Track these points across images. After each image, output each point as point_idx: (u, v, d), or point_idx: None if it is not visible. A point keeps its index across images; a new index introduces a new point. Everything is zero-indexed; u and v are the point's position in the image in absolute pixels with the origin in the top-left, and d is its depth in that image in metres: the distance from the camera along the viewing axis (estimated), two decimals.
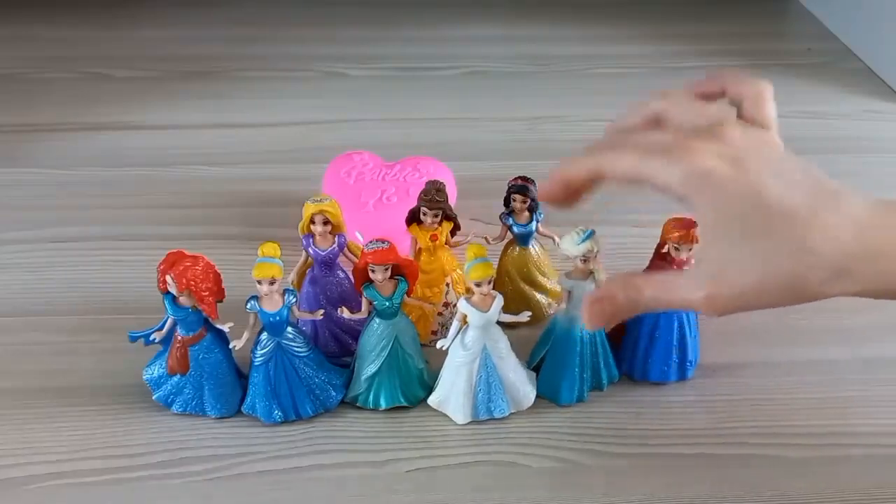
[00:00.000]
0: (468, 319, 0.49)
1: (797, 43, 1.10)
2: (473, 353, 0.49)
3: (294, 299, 0.49)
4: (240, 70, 0.99)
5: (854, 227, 0.34)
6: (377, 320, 0.50)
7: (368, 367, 0.51)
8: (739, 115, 0.40)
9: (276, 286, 0.48)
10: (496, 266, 0.52)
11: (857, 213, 0.34)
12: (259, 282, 0.47)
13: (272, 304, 0.48)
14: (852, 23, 1.07)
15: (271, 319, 0.48)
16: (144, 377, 0.51)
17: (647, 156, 0.35)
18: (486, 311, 0.48)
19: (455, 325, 0.50)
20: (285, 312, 0.49)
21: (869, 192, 0.35)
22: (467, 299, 0.48)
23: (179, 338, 0.49)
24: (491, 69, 1.01)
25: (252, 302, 0.48)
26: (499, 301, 0.48)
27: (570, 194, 0.39)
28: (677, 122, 0.38)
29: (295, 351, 0.50)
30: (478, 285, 0.47)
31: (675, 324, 0.53)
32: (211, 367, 0.50)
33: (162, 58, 1.02)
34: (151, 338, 0.50)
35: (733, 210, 0.34)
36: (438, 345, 0.50)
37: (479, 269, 0.47)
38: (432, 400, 0.51)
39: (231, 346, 0.50)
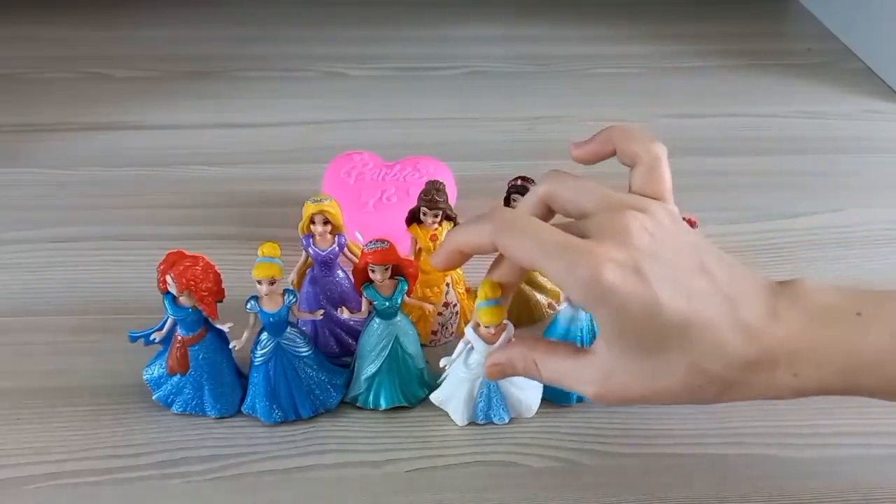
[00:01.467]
0: (474, 346, 0.47)
1: (797, 43, 1.10)
2: (477, 373, 0.49)
3: (294, 299, 0.49)
4: (240, 70, 1.00)
5: (742, 338, 0.34)
6: (377, 320, 0.50)
7: (368, 367, 0.51)
8: (630, 182, 0.39)
9: (276, 286, 0.48)
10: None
11: (747, 320, 0.35)
12: (259, 282, 0.47)
13: (272, 304, 0.48)
14: (852, 23, 1.07)
15: (271, 319, 0.48)
16: (144, 377, 0.51)
17: (548, 252, 0.35)
18: (494, 344, 0.46)
19: (461, 346, 0.49)
20: (285, 312, 0.49)
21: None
22: (475, 329, 0.46)
23: (179, 338, 0.49)
24: (491, 69, 1.01)
25: (252, 302, 0.48)
26: (508, 332, 0.45)
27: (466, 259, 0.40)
28: (568, 206, 0.38)
29: (295, 351, 0.50)
30: (486, 327, 0.45)
31: None
32: (211, 367, 0.50)
33: (162, 58, 1.02)
34: (151, 338, 0.50)
35: (629, 325, 0.34)
36: (441, 363, 0.49)
37: (490, 313, 0.44)
38: (434, 397, 0.51)
39: (231, 346, 0.50)
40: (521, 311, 0.58)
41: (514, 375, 0.42)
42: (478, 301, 0.44)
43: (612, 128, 0.41)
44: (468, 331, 0.47)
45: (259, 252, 0.48)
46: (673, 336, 0.34)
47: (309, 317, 0.52)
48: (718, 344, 0.34)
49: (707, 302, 0.35)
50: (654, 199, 0.39)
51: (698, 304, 0.34)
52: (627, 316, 0.34)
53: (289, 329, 0.49)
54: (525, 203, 0.40)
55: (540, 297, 0.58)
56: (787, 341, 0.35)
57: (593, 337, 0.52)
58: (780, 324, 0.35)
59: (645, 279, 0.34)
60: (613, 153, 0.40)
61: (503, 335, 0.45)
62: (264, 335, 0.49)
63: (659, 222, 0.37)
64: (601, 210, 0.37)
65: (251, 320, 0.49)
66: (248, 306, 0.49)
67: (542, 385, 0.52)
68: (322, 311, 0.52)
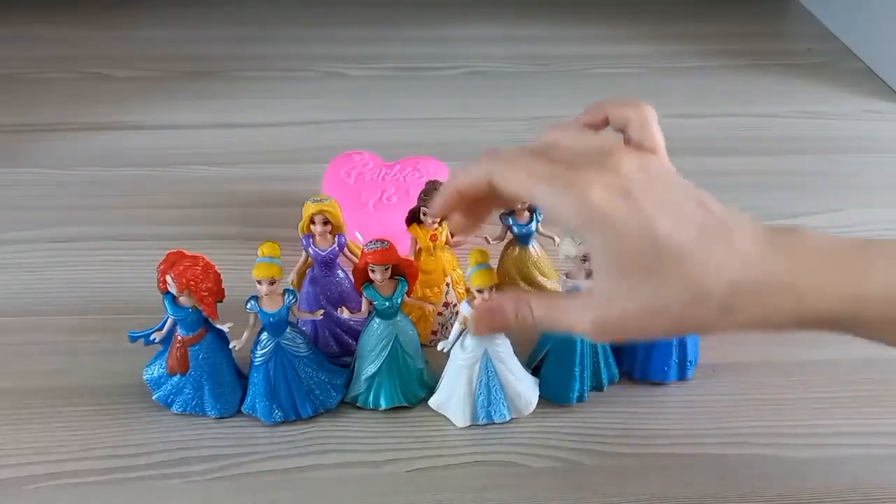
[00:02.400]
0: (469, 322, 0.48)
1: (797, 43, 1.10)
2: (474, 356, 0.49)
3: (294, 299, 0.49)
4: (240, 70, 1.00)
5: (741, 263, 0.34)
6: (377, 320, 0.50)
7: (368, 367, 0.51)
8: (626, 142, 0.39)
9: (276, 286, 0.48)
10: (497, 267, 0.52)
11: (744, 248, 0.34)
12: (259, 282, 0.47)
13: (272, 304, 0.48)
14: (852, 23, 1.07)
15: (271, 319, 0.48)
16: (144, 377, 0.51)
17: (540, 180, 0.35)
18: None
19: (456, 327, 0.49)
20: (285, 312, 0.49)
21: (762, 218, 0.35)
22: (469, 302, 0.48)
23: (179, 338, 0.49)
24: (491, 69, 1.01)
25: (252, 302, 0.48)
26: None
27: (467, 210, 0.39)
28: (568, 149, 0.37)
29: (295, 351, 0.50)
30: (479, 291, 0.47)
31: None
32: (211, 367, 0.50)
33: (162, 58, 1.02)
34: (151, 338, 0.50)
35: (623, 247, 0.34)
36: (439, 347, 0.50)
37: (481, 276, 0.47)
38: (433, 402, 0.51)
39: (231, 346, 0.50)
40: None
41: (505, 326, 0.40)
42: (469, 268, 0.47)
43: (600, 101, 0.41)
44: (463, 307, 0.48)
45: (259, 252, 0.48)
46: (670, 259, 0.33)
47: (309, 317, 0.52)
48: (717, 267, 0.33)
49: (704, 228, 0.34)
50: None
51: (695, 229, 0.34)
52: (620, 238, 0.33)
53: (289, 329, 0.49)
54: (467, 176, 0.39)
55: None
56: (789, 268, 0.34)
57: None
58: (781, 253, 0.34)
59: (635, 202, 0.33)
60: (606, 122, 0.41)
61: None
62: (264, 335, 0.49)
63: (650, 161, 0.37)
64: (591, 153, 0.36)
65: (251, 320, 0.49)
66: (248, 306, 0.49)
67: (536, 378, 0.52)
68: (322, 312, 0.52)
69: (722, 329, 0.35)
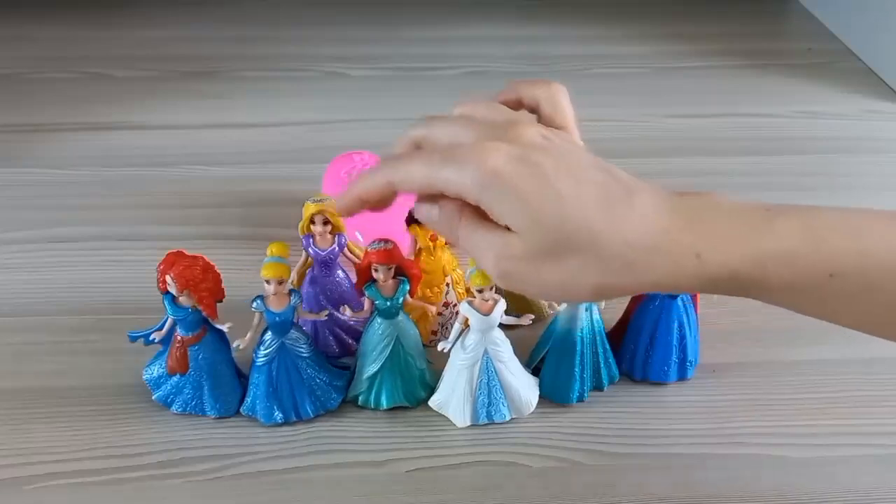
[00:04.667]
0: (469, 322, 0.49)
1: (797, 43, 1.10)
2: (474, 356, 0.49)
3: (299, 299, 0.49)
4: (240, 70, 0.99)
5: (641, 221, 0.34)
6: (378, 320, 0.50)
7: (370, 367, 0.51)
8: (539, 121, 0.40)
9: (283, 286, 0.48)
10: None
11: (645, 209, 0.34)
12: (267, 281, 0.47)
13: (278, 304, 0.48)
14: (852, 23, 1.07)
15: (277, 319, 0.48)
16: (144, 377, 0.51)
17: (437, 163, 0.34)
18: (488, 315, 0.48)
19: (456, 327, 0.49)
20: (291, 312, 0.49)
21: (664, 186, 0.35)
22: (469, 302, 0.48)
23: (179, 338, 0.49)
24: (491, 69, 1.01)
25: (258, 301, 0.48)
26: (501, 305, 0.48)
27: (372, 207, 0.39)
28: (475, 123, 0.37)
29: (298, 351, 0.50)
30: (479, 291, 0.47)
31: (676, 324, 0.53)
32: (210, 367, 0.50)
33: (162, 58, 1.02)
34: (151, 338, 0.50)
35: (527, 210, 0.33)
36: (440, 347, 0.50)
37: (482, 276, 0.47)
38: (433, 402, 0.51)
39: (235, 345, 0.50)
40: (521, 311, 0.58)
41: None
42: (469, 268, 0.47)
43: (514, 80, 0.41)
44: (463, 306, 0.48)
45: (268, 252, 0.48)
46: (573, 221, 0.33)
47: (314, 317, 0.52)
48: (618, 226, 0.33)
49: (606, 190, 0.34)
50: None
51: (596, 191, 0.34)
52: (523, 202, 0.33)
53: (293, 329, 0.49)
54: (395, 149, 0.39)
55: None
56: (689, 227, 0.34)
57: (594, 336, 0.52)
58: (682, 212, 0.34)
59: (537, 168, 0.33)
60: (520, 103, 0.41)
61: (497, 307, 0.48)
62: (268, 335, 0.49)
63: (556, 134, 0.36)
64: (497, 125, 0.36)
65: (256, 320, 0.49)
66: (254, 305, 0.48)
67: (536, 378, 0.52)
68: (326, 312, 0.52)
69: (628, 288, 0.35)
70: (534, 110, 0.41)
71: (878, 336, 0.35)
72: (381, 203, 0.38)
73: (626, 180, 0.35)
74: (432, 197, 0.36)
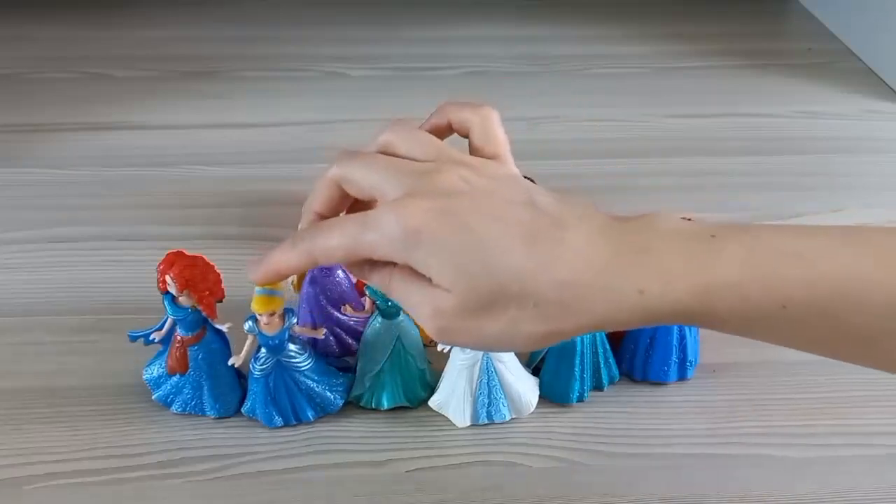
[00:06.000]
0: None
1: (797, 43, 1.10)
2: (474, 356, 0.49)
3: (294, 320, 0.48)
4: (240, 70, 0.99)
5: (573, 260, 0.32)
6: (379, 320, 0.50)
7: (370, 367, 0.51)
8: (469, 147, 0.39)
9: (275, 315, 0.47)
10: None
11: (578, 245, 0.32)
12: (259, 314, 0.47)
13: (272, 329, 0.48)
14: (852, 23, 1.07)
15: (270, 343, 0.48)
16: (144, 377, 0.51)
17: (357, 229, 0.33)
18: None
19: None
20: (285, 335, 0.48)
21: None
22: None
23: (179, 338, 0.49)
24: (491, 69, 1.01)
25: (250, 323, 0.48)
26: None
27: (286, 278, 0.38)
28: (402, 153, 0.36)
29: (296, 366, 0.49)
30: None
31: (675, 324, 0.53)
32: (210, 367, 0.50)
33: (162, 58, 1.02)
34: (151, 338, 0.50)
35: (450, 265, 0.32)
36: (439, 347, 0.50)
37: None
38: (433, 402, 0.51)
39: (230, 362, 0.49)
40: None
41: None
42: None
43: (445, 102, 0.40)
44: None
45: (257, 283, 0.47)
46: (500, 273, 0.32)
47: (311, 334, 0.51)
48: (549, 270, 0.31)
49: (532, 232, 0.32)
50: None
51: (522, 236, 0.32)
52: (448, 257, 0.32)
53: (290, 346, 0.49)
54: (318, 191, 0.38)
55: None
56: (627, 260, 0.32)
57: (594, 336, 0.52)
58: (620, 245, 0.32)
59: (458, 219, 0.32)
60: (450, 127, 0.39)
61: None
62: (263, 352, 0.49)
63: (478, 170, 0.35)
64: (415, 170, 0.35)
65: (248, 341, 0.49)
66: (247, 327, 0.48)
67: (536, 378, 0.52)
68: (323, 330, 0.51)
69: (570, 331, 0.33)
70: (464, 135, 0.39)
71: (835, 359, 0.34)
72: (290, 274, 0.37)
73: (555, 213, 0.33)
74: (365, 261, 0.35)
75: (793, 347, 0.34)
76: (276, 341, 0.48)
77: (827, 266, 0.31)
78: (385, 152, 0.37)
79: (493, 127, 0.39)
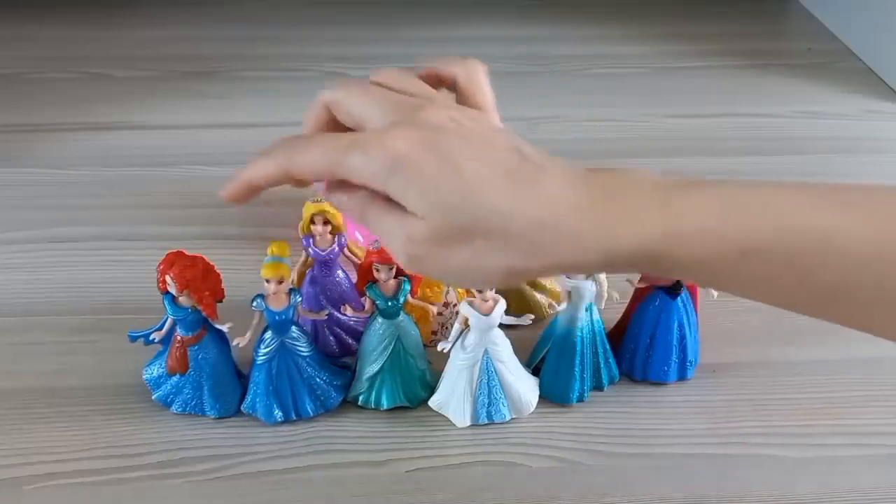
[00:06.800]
0: (469, 322, 0.49)
1: (797, 43, 1.10)
2: (474, 356, 0.49)
3: (300, 299, 0.49)
4: (240, 70, 0.99)
5: (548, 201, 0.32)
6: (379, 320, 0.50)
7: (370, 367, 0.51)
8: (457, 99, 0.39)
9: (283, 286, 0.48)
10: None
11: (553, 188, 0.33)
12: (267, 280, 0.47)
13: (278, 303, 0.48)
14: (852, 23, 1.07)
15: (277, 318, 0.48)
16: (144, 377, 0.51)
17: (342, 150, 0.33)
18: (488, 315, 0.48)
19: (457, 327, 0.49)
20: (291, 312, 0.49)
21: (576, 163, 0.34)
22: (469, 302, 0.48)
23: (179, 338, 0.49)
24: (491, 69, 1.00)
25: (258, 300, 0.48)
26: (501, 305, 0.48)
27: (259, 193, 0.38)
28: (355, 112, 0.36)
29: (298, 350, 0.50)
30: (479, 291, 0.47)
31: (675, 324, 0.53)
32: (210, 367, 0.50)
33: (162, 58, 1.02)
34: (151, 338, 0.50)
35: (427, 193, 0.32)
36: (439, 347, 0.50)
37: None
38: (433, 402, 0.51)
39: (234, 343, 0.50)
40: (521, 311, 0.58)
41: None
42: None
43: (437, 58, 0.40)
44: (463, 306, 0.48)
45: (268, 251, 0.48)
46: (479, 206, 0.32)
47: (314, 317, 0.52)
48: (524, 208, 0.32)
49: (512, 171, 0.33)
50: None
51: (503, 173, 0.33)
52: (430, 188, 0.32)
53: (293, 328, 0.49)
54: (308, 114, 0.38)
55: (540, 297, 0.58)
56: (597, 204, 0.32)
57: (594, 336, 0.52)
58: (593, 190, 0.33)
59: (443, 152, 0.32)
60: (439, 80, 0.40)
61: (497, 307, 0.48)
62: (268, 334, 0.49)
63: (467, 114, 0.35)
64: (405, 105, 0.35)
65: (256, 319, 0.49)
66: (254, 304, 0.48)
67: (536, 378, 0.52)
68: (327, 312, 0.52)
69: (537, 270, 0.34)
70: (452, 88, 0.40)
71: (793, 311, 0.34)
72: (269, 186, 0.37)
73: (537, 159, 0.34)
74: (341, 183, 0.35)
75: (753, 298, 0.34)
76: (283, 317, 0.48)
77: (799, 219, 0.31)
78: (330, 111, 0.37)
79: (479, 79, 0.39)
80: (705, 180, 0.33)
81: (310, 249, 0.54)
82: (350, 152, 0.33)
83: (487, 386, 0.50)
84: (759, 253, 0.31)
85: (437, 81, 0.40)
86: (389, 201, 0.34)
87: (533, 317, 0.51)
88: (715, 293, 0.52)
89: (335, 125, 0.38)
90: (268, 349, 0.49)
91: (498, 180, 0.32)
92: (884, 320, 0.32)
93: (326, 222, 0.53)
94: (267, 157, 0.36)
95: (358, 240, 0.61)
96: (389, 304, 0.49)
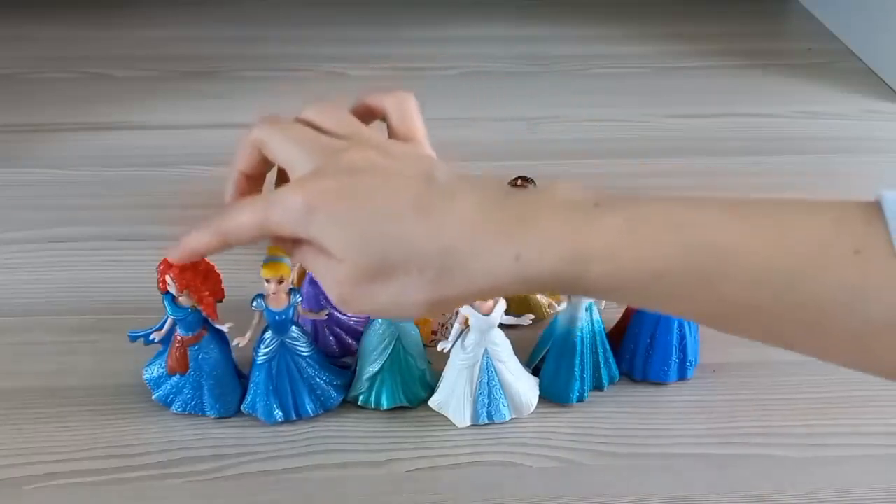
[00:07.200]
0: (469, 322, 0.49)
1: (797, 43, 1.10)
2: (474, 356, 0.49)
3: (300, 299, 0.49)
4: (240, 70, 0.99)
5: (458, 226, 0.33)
6: (379, 320, 0.50)
7: (370, 367, 0.51)
8: (388, 130, 0.40)
9: (283, 285, 0.48)
10: None
11: (463, 213, 0.33)
12: (267, 280, 0.47)
13: (278, 303, 0.48)
14: (852, 23, 1.07)
15: (277, 318, 0.48)
16: (144, 377, 0.51)
17: (264, 209, 0.35)
18: (488, 315, 0.48)
19: (456, 327, 0.49)
20: (291, 311, 0.49)
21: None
22: (469, 303, 0.48)
23: (179, 338, 0.49)
24: (491, 69, 1.01)
25: (258, 300, 0.48)
26: (501, 305, 0.48)
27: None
28: (280, 154, 0.38)
29: (298, 350, 0.50)
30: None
31: (675, 324, 0.53)
32: (210, 367, 0.50)
33: (162, 58, 1.02)
34: (151, 338, 0.50)
35: (341, 235, 0.33)
36: (439, 347, 0.50)
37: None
38: (433, 402, 0.51)
39: (234, 343, 0.50)
40: (521, 311, 0.58)
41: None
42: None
43: (367, 91, 0.41)
44: (463, 307, 0.47)
45: (267, 251, 0.48)
46: (390, 235, 0.33)
47: (314, 317, 0.52)
48: (432, 235, 0.33)
49: (421, 200, 0.33)
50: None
51: (412, 204, 0.33)
52: (344, 232, 0.33)
53: (293, 328, 0.49)
54: (239, 152, 0.40)
55: (540, 297, 0.58)
56: (506, 228, 0.32)
57: (594, 336, 0.52)
58: (503, 212, 0.33)
59: (353, 192, 0.33)
60: (371, 113, 0.41)
61: (497, 307, 0.48)
62: (268, 334, 0.49)
63: (388, 150, 0.36)
64: (318, 152, 0.36)
65: (256, 319, 0.49)
66: (254, 304, 0.49)
67: (536, 379, 0.52)
68: (327, 312, 0.52)
69: (455, 299, 0.34)
70: (384, 121, 0.41)
71: (714, 328, 0.34)
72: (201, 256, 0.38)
73: (449, 184, 0.34)
74: (281, 237, 0.36)
75: (674, 315, 0.34)
76: (283, 317, 0.48)
77: (706, 236, 0.31)
78: (259, 150, 0.39)
79: (408, 110, 0.40)
80: (618, 197, 0.33)
81: None
82: (271, 210, 0.35)
83: (487, 386, 0.50)
84: (671, 274, 0.31)
85: (370, 114, 0.41)
86: (319, 248, 0.35)
87: (533, 317, 0.51)
88: None
89: (264, 163, 0.40)
90: (268, 349, 0.49)
91: (407, 213, 0.33)
92: (789, 333, 0.32)
93: None
94: (201, 231, 0.37)
95: None
96: None
